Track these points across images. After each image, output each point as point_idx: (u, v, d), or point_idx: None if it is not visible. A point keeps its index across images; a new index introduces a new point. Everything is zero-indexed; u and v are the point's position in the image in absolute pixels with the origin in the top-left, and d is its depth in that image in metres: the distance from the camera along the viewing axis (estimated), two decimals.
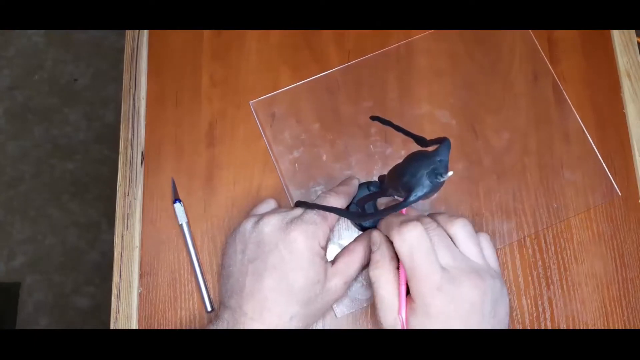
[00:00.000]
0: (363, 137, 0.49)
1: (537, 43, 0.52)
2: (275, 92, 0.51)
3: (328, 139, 0.50)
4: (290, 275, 0.39)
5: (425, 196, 0.34)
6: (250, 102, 0.51)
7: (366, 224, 0.45)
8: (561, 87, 0.51)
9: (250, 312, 0.39)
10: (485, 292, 0.37)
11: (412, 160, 0.34)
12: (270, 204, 0.45)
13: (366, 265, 0.42)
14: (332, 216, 0.42)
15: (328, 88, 0.51)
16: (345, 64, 0.51)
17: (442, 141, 0.34)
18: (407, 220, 0.38)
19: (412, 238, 0.37)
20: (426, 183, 0.33)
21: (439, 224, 0.39)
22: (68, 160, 1.31)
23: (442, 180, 0.33)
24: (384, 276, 0.39)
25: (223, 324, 0.40)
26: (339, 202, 0.43)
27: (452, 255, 0.38)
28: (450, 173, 0.32)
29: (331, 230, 0.42)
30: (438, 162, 0.33)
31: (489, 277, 0.38)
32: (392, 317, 0.38)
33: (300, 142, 0.49)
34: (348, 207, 0.45)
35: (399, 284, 0.38)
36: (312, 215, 0.41)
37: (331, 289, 0.41)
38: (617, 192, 0.49)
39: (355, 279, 0.45)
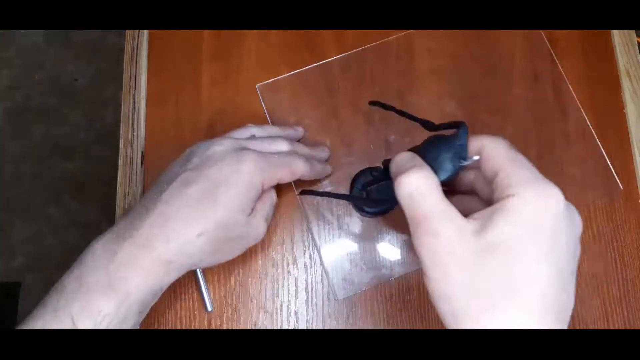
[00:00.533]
0: (367, 124, 0.50)
1: (546, 41, 0.52)
2: (281, 76, 0.51)
3: (332, 125, 0.50)
4: (221, 190, 0.37)
5: (447, 179, 0.32)
6: (257, 85, 0.51)
7: (370, 210, 0.46)
8: (568, 84, 0.51)
9: (154, 217, 0.36)
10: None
11: (432, 144, 0.33)
12: (251, 130, 0.44)
13: (275, 203, 0.44)
14: (289, 170, 0.41)
15: (333, 74, 0.51)
16: (350, 52, 0.51)
17: (459, 125, 0.32)
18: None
19: (506, 141, 0.31)
20: (449, 167, 0.32)
21: None
22: (68, 160, 1.31)
23: (465, 164, 0.32)
24: (425, 180, 0.30)
25: (108, 235, 0.37)
26: (269, 149, 0.42)
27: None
28: (476, 157, 0.31)
29: (280, 181, 0.41)
30: (459, 146, 0.32)
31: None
32: (455, 227, 0.28)
33: (305, 127, 0.49)
34: (351, 191, 0.46)
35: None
36: (273, 156, 0.41)
37: (252, 224, 0.40)
38: (620, 187, 0.49)
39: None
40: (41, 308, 0.36)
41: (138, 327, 0.38)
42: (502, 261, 0.27)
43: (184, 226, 0.36)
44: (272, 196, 0.44)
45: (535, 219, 0.27)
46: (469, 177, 0.34)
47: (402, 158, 0.33)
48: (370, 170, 0.46)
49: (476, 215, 0.29)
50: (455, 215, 0.29)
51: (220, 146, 0.39)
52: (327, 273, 0.46)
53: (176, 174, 0.38)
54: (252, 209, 0.40)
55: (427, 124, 0.37)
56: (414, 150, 0.35)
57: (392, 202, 0.35)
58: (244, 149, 0.40)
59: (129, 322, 0.36)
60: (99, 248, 0.37)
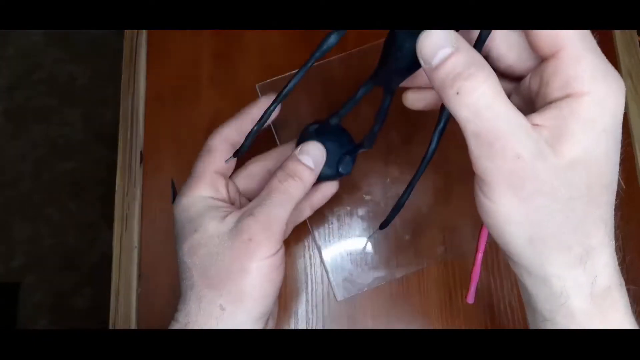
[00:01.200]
0: (368, 123, 0.49)
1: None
2: (281, 76, 0.51)
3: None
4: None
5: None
6: (257, 84, 0.51)
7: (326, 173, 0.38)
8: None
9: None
10: None
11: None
12: None
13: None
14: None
15: (334, 73, 0.50)
16: (350, 51, 0.51)
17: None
18: None
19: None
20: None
21: None
22: (67, 160, 1.31)
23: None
24: (487, 83, 0.24)
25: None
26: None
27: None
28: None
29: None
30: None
31: None
32: (532, 145, 0.24)
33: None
34: (303, 130, 0.39)
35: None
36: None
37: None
38: (622, 185, 0.49)
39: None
40: None
41: None
42: (584, 175, 0.24)
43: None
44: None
45: (613, 127, 0.25)
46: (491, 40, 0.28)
47: (439, 39, 0.26)
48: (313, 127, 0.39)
49: (538, 119, 0.24)
50: (530, 128, 0.24)
51: None
52: (327, 273, 0.46)
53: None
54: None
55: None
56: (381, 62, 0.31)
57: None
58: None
59: None
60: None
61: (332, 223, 0.48)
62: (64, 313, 1.21)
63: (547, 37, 0.25)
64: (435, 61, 0.25)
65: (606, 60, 0.25)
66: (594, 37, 0.27)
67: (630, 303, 0.29)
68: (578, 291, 0.26)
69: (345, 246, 0.47)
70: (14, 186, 1.30)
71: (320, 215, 0.48)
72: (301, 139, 0.37)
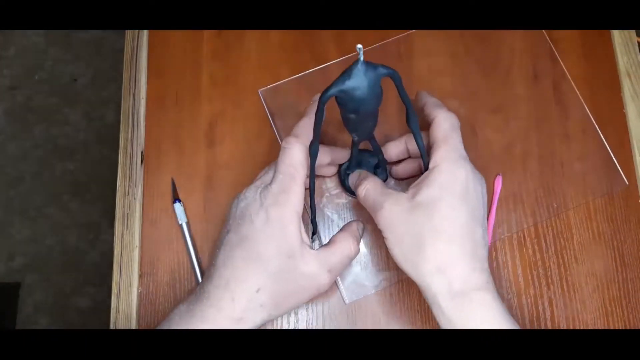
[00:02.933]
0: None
1: (548, 40, 0.52)
2: (283, 80, 0.51)
3: (336, 127, 0.49)
4: (261, 245, 0.38)
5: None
6: (259, 90, 0.51)
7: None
8: (571, 81, 0.51)
9: (217, 280, 0.39)
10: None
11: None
12: (269, 174, 0.43)
13: (353, 257, 0.42)
14: (301, 175, 0.39)
15: (333, 77, 0.50)
16: (351, 54, 0.51)
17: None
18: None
19: (455, 119, 0.40)
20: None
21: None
22: (68, 160, 1.31)
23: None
24: (371, 183, 0.42)
25: (190, 297, 0.40)
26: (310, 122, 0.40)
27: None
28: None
29: (304, 186, 0.40)
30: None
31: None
32: (393, 199, 0.39)
33: None
34: (340, 178, 0.48)
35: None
36: (280, 182, 0.39)
37: (309, 274, 0.39)
38: (625, 182, 0.49)
39: (346, 267, 0.43)
40: None
41: None
42: (427, 212, 0.37)
43: (242, 284, 0.38)
44: (348, 247, 0.41)
45: (448, 183, 0.38)
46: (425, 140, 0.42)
47: (354, 176, 0.45)
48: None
49: (412, 185, 0.39)
50: (393, 192, 0.40)
51: (244, 201, 0.40)
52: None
53: (221, 238, 0.41)
54: (306, 254, 0.39)
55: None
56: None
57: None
58: (262, 191, 0.39)
59: None
60: (184, 309, 0.39)
61: (338, 226, 0.48)
62: (65, 313, 1.21)
63: (433, 134, 0.40)
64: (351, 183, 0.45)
65: (459, 153, 0.39)
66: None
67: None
68: (440, 293, 0.37)
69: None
70: (15, 186, 1.30)
71: (326, 218, 0.48)
72: (342, 179, 0.48)
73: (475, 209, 0.38)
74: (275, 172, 0.40)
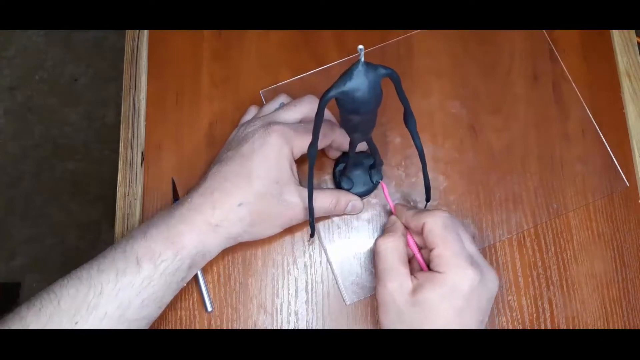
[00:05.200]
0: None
1: (548, 39, 0.52)
2: (284, 82, 0.51)
3: (338, 128, 0.49)
4: (254, 163, 0.41)
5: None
6: (261, 90, 0.51)
7: (344, 184, 0.47)
8: (571, 81, 0.51)
9: (203, 189, 0.42)
10: (483, 287, 0.39)
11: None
12: (252, 111, 0.48)
13: (328, 212, 0.45)
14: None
15: (335, 78, 0.50)
16: (351, 56, 0.51)
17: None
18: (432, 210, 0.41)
19: (445, 218, 0.40)
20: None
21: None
22: (68, 160, 1.31)
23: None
24: (392, 243, 0.41)
25: (175, 204, 0.43)
26: (294, 115, 0.45)
27: (471, 243, 0.41)
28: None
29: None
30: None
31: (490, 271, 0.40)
32: (398, 283, 0.39)
33: None
34: (334, 177, 0.48)
35: (414, 252, 0.42)
36: (297, 125, 0.43)
37: (289, 203, 0.42)
38: (625, 183, 0.49)
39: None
40: (111, 250, 0.40)
41: (184, 285, 0.42)
42: (422, 313, 0.38)
43: (226, 196, 0.41)
44: (328, 202, 0.44)
45: (451, 292, 0.37)
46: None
47: (390, 220, 0.44)
48: (343, 159, 0.48)
49: (419, 275, 0.39)
50: (403, 274, 0.39)
51: (251, 127, 0.43)
52: (336, 277, 0.46)
53: (219, 156, 0.44)
54: (292, 186, 0.42)
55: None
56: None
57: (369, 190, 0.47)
58: (271, 123, 0.43)
59: (179, 275, 0.41)
60: (164, 211, 0.42)
61: (339, 227, 0.48)
62: None
63: (428, 240, 0.40)
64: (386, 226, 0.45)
65: (462, 253, 0.38)
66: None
67: None
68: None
69: (353, 250, 0.47)
70: (15, 186, 1.30)
71: (327, 219, 0.48)
72: (337, 180, 0.48)
73: (471, 318, 0.38)
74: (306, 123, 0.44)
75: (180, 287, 0.42)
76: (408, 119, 0.37)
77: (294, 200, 0.43)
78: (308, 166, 0.39)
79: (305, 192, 0.43)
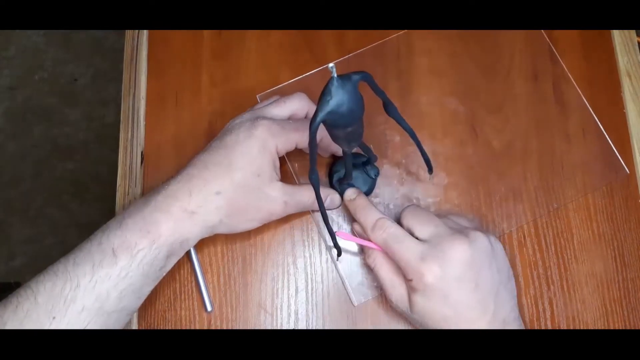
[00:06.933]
0: (369, 126, 0.49)
1: (547, 39, 0.52)
2: (282, 84, 0.51)
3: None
4: (236, 154, 0.41)
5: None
6: (257, 95, 0.51)
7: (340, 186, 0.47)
8: (572, 80, 0.51)
9: (181, 176, 0.41)
10: (475, 248, 0.39)
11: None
12: (269, 100, 0.47)
13: (307, 208, 0.46)
14: (303, 133, 0.43)
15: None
16: (349, 55, 0.51)
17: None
18: (377, 220, 0.42)
19: (383, 238, 0.41)
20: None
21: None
22: (68, 160, 1.31)
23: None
24: (378, 259, 0.43)
25: (151, 192, 0.42)
26: (283, 111, 0.44)
27: (435, 225, 0.41)
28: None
29: (298, 146, 0.44)
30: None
31: (475, 234, 0.40)
32: (399, 293, 0.41)
33: None
34: (330, 180, 0.48)
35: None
36: (287, 122, 0.43)
37: (269, 196, 0.42)
38: (625, 171, 0.49)
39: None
40: (87, 242, 0.40)
41: (164, 274, 0.42)
42: (423, 320, 0.41)
43: (204, 183, 0.41)
44: (307, 197, 0.44)
45: (432, 293, 0.39)
46: None
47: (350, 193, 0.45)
48: (339, 164, 0.48)
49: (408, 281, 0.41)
50: (398, 285, 0.42)
51: (238, 119, 0.44)
52: (342, 279, 0.46)
53: (207, 146, 0.44)
54: (273, 181, 0.42)
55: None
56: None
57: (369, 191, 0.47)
58: (259, 117, 0.43)
59: (157, 264, 0.40)
60: (140, 199, 0.42)
61: (341, 227, 0.48)
62: None
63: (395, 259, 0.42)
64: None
65: (418, 253, 0.40)
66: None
67: None
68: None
69: (359, 250, 0.47)
70: (14, 186, 1.30)
71: (331, 220, 0.48)
72: (338, 189, 0.47)
73: (489, 284, 0.39)
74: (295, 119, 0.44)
75: (160, 277, 0.41)
76: (388, 108, 0.37)
77: (274, 195, 0.42)
78: (314, 191, 0.39)
79: (286, 187, 0.43)
